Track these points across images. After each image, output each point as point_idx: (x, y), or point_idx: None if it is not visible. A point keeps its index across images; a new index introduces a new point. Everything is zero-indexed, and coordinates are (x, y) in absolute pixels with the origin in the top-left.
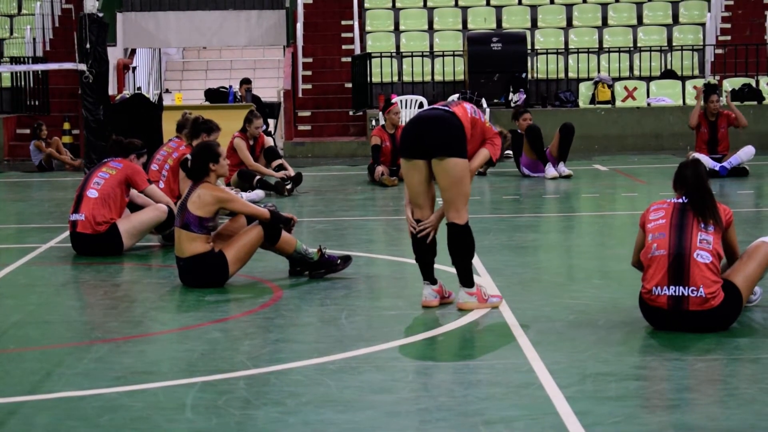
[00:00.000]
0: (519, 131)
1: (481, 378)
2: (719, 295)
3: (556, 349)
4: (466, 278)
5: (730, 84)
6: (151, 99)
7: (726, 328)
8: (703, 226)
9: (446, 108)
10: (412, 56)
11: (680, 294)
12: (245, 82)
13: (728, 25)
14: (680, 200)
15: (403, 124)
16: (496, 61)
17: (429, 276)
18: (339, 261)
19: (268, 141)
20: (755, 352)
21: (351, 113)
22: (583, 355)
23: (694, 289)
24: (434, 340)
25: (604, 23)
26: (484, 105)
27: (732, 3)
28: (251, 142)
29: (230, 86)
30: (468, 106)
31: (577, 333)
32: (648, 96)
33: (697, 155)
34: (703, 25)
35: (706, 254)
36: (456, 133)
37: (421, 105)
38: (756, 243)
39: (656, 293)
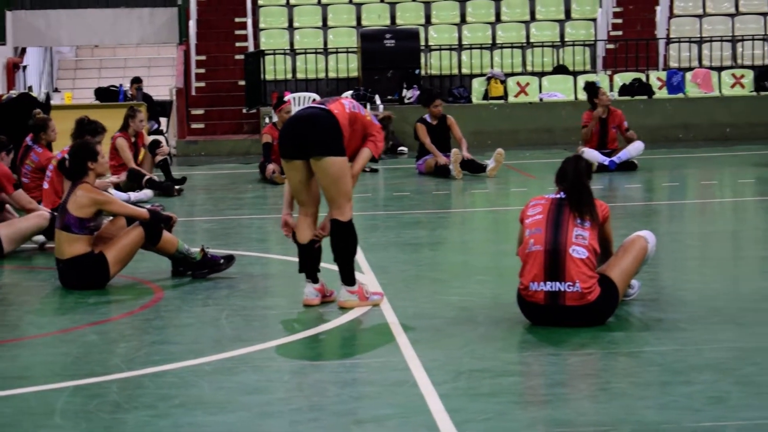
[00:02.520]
0: (431, 120)
1: (357, 377)
2: (595, 290)
3: (434, 347)
4: (347, 276)
5: (621, 79)
6: (39, 98)
7: (603, 322)
8: (579, 221)
9: (322, 106)
10: (305, 53)
11: (557, 289)
12: (136, 80)
13: (619, 21)
14: (558, 196)
15: None
16: (389, 58)
17: (311, 275)
18: (222, 260)
19: (150, 139)
20: (630, 346)
21: (245, 111)
22: (460, 352)
23: (570, 284)
24: (313, 340)
25: (498, 19)
26: (378, 102)
27: None
28: (133, 139)
29: (120, 85)
30: (346, 102)
31: (456, 330)
32: (540, 91)
33: (586, 150)
34: (594, 20)
35: (582, 249)
36: (332, 132)
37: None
38: (631, 237)
39: (533, 289)
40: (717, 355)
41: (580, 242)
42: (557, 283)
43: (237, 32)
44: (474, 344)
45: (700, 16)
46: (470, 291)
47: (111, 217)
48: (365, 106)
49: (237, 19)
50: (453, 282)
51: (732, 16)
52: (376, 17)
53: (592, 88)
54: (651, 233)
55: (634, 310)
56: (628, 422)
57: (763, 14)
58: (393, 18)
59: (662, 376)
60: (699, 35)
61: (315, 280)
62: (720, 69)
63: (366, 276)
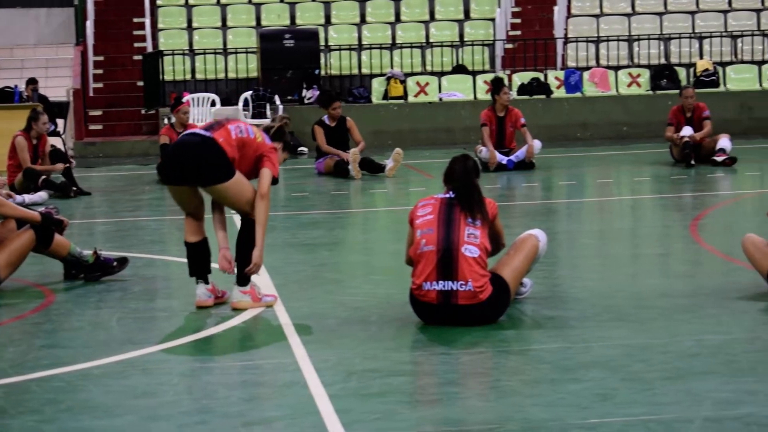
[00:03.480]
0: (329, 122)
1: (247, 378)
2: (487, 289)
3: (326, 347)
4: (242, 276)
5: (519, 78)
6: None
7: (495, 321)
8: (470, 220)
9: (207, 134)
10: (204, 54)
11: (449, 288)
12: (31, 81)
13: (518, 20)
14: (448, 195)
15: (193, 122)
16: (288, 58)
17: (202, 275)
18: (115, 263)
19: (53, 143)
20: (521, 345)
21: (143, 112)
22: (352, 353)
23: (462, 283)
24: (205, 341)
25: (397, 19)
26: (278, 102)
27: None
28: (35, 141)
29: (15, 86)
30: (233, 126)
31: (348, 330)
32: (440, 91)
33: (483, 149)
34: (493, 20)
35: (474, 248)
36: (217, 160)
37: (213, 103)
38: (523, 236)
39: (426, 288)
40: (606, 352)
41: (472, 241)
42: (450, 282)
43: (135, 32)
44: (366, 344)
45: (597, 16)
46: (365, 291)
47: (1, 220)
48: (264, 107)
49: (135, 20)
50: (348, 282)
51: (629, 15)
52: (275, 17)
53: (498, 83)
54: (542, 232)
55: (526, 308)
56: (515, 420)
57: (659, 14)
58: (293, 18)
59: (551, 374)
60: (596, 35)
61: (206, 281)
62: (617, 68)
63: (261, 277)
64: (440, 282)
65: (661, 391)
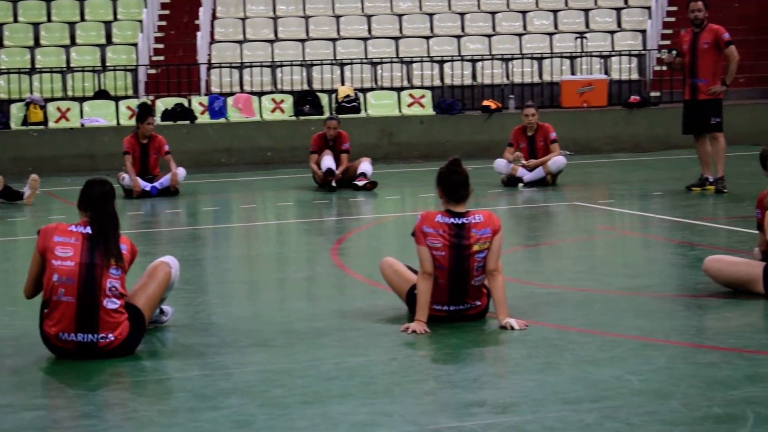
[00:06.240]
0: None
1: None
2: (124, 326)
3: None
4: None
5: (163, 104)
6: None
7: (132, 352)
8: (112, 271)
9: None
10: None
11: (89, 341)
12: None
13: (161, 46)
14: (86, 230)
15: None
16: None
17: None
18: None
19: None
20: (159, 374)
21: None
22: None
23: (103, 336)
24: None
25: (36, 43)
26: None
27: (165, 24)
28: None
29: None
30: None
31: None
32: (82, 116)
33: (126, 176)
34: (135, 45)
35: (115, 300)
36: None
37: None
38: (155, 264)
39: (63, 338)
40: (246, 378)
41: (113, 294)
42: (90, 335)
43: None
44: None
45: (240, 42)
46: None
47: None
48: None
49: None
50: None
51: (271, 42)
52: None
53: (144, 111)
54: (173, 258)
55: (166, 336)
56: None
57: (301, 40)
58: None
59: (189, 402)
60: (240, 60)
61: None
62: (260, 94)
63: None
64: (79, 335)
65: (298, 415)
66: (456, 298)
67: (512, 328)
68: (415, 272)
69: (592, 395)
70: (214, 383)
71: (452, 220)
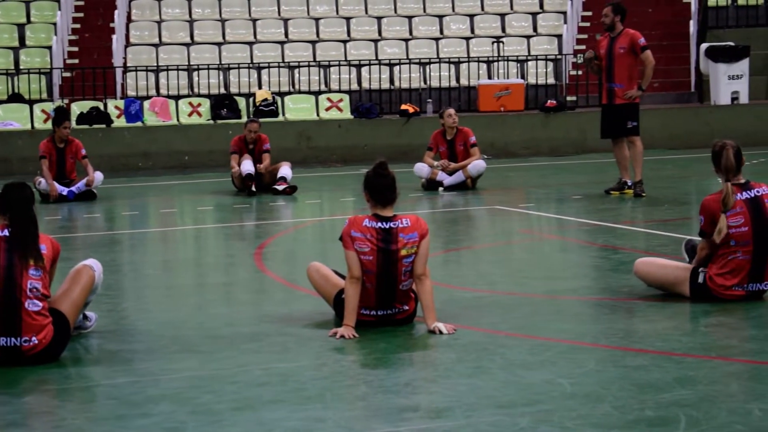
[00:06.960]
0: None
1: None
2: (49, 333)
3: None
4: None
5: (78, 107)
6: None
7: (57, 358)
8: (32, 272)
9: None
10: None
11: (12, 344)
12: None
13: (76, 49)
14: (4, 232)
15: None
16: None
17: None
18: None
19: None
20: (86, 381)
21: None
22: None
23: (27, 339)
24: None
25: None
26: None
27: (79, 27)
28: None
29: None
30: None
31: None
32: None
33: (43, 180)
34: (50, 48)
35: (37, 302)
36: None
37: None
38: (77, 267)
39: None
40: (175, 384)
41: (35, 295)
42: (13, 339)
43: None
44: None
45: (156, 45)
46: None
47: None
48: None
49: None
50: None
51: (188, 45)
52: None
53: (60, 116)
54: (96, 261)
55: (91, 343)
56: None
57: (218, 44)
58: None
59: (118, 410)
60: (156, 64)
61: None
62: (177, 97)
63: None
64: (2, 338)
65: (230, 421)
66: (384, 302)
67: (441, 333)
68: (343, 277)
69: (525, 399)
70: (142, 390)
71: (380, 224)
